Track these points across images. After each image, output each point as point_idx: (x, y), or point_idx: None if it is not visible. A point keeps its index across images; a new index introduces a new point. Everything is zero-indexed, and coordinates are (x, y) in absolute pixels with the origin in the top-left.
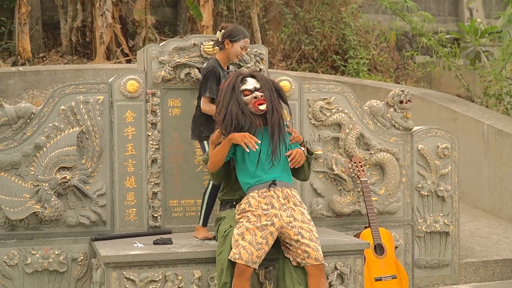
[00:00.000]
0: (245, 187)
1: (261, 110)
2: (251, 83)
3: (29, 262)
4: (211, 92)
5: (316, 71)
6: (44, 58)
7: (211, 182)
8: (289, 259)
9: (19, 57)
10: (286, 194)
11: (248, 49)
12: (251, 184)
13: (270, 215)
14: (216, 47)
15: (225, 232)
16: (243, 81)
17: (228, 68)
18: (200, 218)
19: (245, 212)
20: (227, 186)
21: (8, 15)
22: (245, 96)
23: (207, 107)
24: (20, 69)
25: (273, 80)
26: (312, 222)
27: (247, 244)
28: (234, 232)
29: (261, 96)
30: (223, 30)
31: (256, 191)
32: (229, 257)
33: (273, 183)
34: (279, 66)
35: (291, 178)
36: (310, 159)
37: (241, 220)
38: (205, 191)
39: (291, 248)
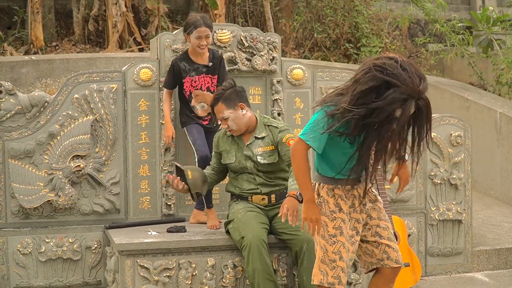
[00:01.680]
0: (324, 173)
1: None
2: None
3: (43, 250)
4: (166, 84)
5: (328, 60)
6: (57, 47)
7: (197, 163)
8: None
9: (31, 46)
10: (368, 193)
11: (212, 37)
12: (334, 176)
13: (352, 221)
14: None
15: (241, 245)
16: None
17: (213, 56)
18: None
19: (334, 215)
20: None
21: (21, 4)
22: None
23: (163, 99)
24: (33, 58)
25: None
26: (387, 217)
27: (345, 266)
28: (327, 249)
29: None
30: None
31: (340, 187)
32: (327, 284)
33: (357, 179)
34: (291, 55)
35: None
36: None
37: (333, 231)
38: None
39: (365, 248)
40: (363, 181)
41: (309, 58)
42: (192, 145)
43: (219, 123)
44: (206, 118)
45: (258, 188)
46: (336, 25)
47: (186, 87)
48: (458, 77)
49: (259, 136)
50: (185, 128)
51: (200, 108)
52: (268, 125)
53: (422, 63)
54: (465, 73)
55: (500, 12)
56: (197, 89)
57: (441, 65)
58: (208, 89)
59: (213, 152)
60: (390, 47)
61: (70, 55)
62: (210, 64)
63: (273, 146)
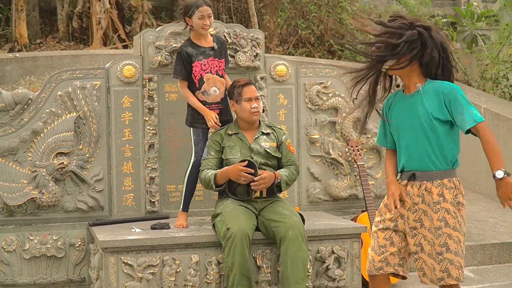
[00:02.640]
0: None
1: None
2: None
3: (27, 247)
4: (176, 73)
5: (313, 56)
6: (41, 44)
7: (191, 165)
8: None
9: (16, 43)
10: (423, 192)
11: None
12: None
13: (397, 215)
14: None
15: (225, 236)
16: None
17: (214, 40)
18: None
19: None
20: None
21: (5, 1)
22: None
23: (182, 91)
24: (17, 55)
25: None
26: (441, 230)
27: (370, 251)
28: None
29: None
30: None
31: (400, 181)
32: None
33: (413, 175)
34: (276, 51)
35: (444, 160)
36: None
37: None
38: (185, 174)
39: (413, 259)
40: None
41: (293, 55)
42: (193, 145)
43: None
44: (216, 107)
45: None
46: (321, 21)
47: (196, 71)
48: None
49: (265, 132)
50: (191, 127)
51: (212, 92)
52: (271, 126)
53: None
54: None
55: (484, 8)
56: (207, 72)
57: None
58: (217, 73)
59: (213, 152)
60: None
61: (54, 52)
62: (216, 46)
63: (276, 144)
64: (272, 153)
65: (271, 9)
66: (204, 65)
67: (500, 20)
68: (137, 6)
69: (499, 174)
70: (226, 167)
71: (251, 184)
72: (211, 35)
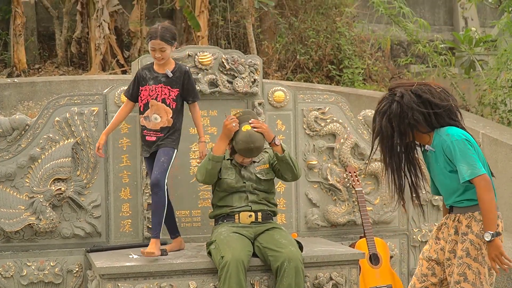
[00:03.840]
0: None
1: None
2: None
3: (24, 273)
4: (125, 92)
5: (311, 81)
6: (40, 69)
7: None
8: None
9: (14, 68)
10: (457, 223)
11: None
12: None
13: (438, 247)
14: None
15: (220, 264)
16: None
17: (177, 68)
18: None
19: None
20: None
21: (3, 26)
22: None
23: (121, 107)
24: (15, 80)
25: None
26: (462, 259)
27: (414, 277)
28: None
29: None
30: None
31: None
32: None
33: (451, 209)
34: (274, 76)
35: (473, 197)
36: (282, 157)
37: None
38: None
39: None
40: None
41: (291, 80)
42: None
43: None
44: (155, 134)
45: (248, 205)
46: (319, 46)
47: (144, 96)
48: None
49: (256, 160)
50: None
51: (153, 119)
52: (265, 150)
53: None
54: None
55: (483, 33)
56: (153, 99)
57: None
58: (163, 101)
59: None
60: (372, 68)
61: (53, 77)
62: (171, 75)
63: (268, 165)
64: (263, 177)
65: (270, 34)
66: (152, 90)
67: (498, 45)
68: (135, 32)
69: (487, 237)
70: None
71: (251, 121)
72: (176, 63)
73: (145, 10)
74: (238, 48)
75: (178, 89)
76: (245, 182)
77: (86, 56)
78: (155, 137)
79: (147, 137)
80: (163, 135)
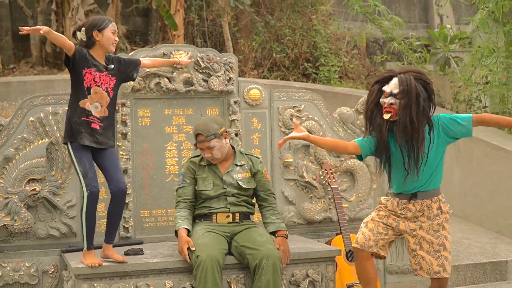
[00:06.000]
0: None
1: (384, 119)
2: (391, 86)
3: (0, 275)
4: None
5: (287, 79)
6: (14, 69)
7: (86, 200)
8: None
9: None
10: (424, 208)
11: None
12: (395, 192)
13: (399, 218)
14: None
15: (195, 264)
16: (390, 79)
17: (108, 61)
18: (83, 241)
19: (379, 207)
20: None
21: None
22: (384, 97)
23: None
24: None
25: (423, 80)
26: (439, 232)
27: (367, 230)
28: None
29: (390, 104)
30: (83, 28)
31: (398, 199)
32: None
33: (414, 195)
34: (250, 75)
35: (438, 181)
36: None
37: (373, 212)
38: (81, 209)
39: (409, 255)
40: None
41: (268, 78)
42: (81, 178)
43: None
44: (98, 122)
45: (226, 207)
46: (295, 44)
47: (88, 79)
48: None
49: (239, 164)
50: (71, 146)
51: (94, 108)
52: (247, 154)
53: None
54: None
55: (458, 30)
56: (98, 86)
57: None
58: (106, 90)
59: (188, 180)
60: (348, 66)
61: (27, 77)
62: (111, 66)
63: (250, 174)
64: (245, 186)
65: (246, 33)
66: (97, 77)
67: (473, 42)
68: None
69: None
70: (180, 237)
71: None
72: (105, 55)
73: (120, 9)
74: (215, 47)
75: (115, 78)
76: (225, 188)
77: (61, 55)
78: (98, 126)
79: (92, 124)
80: (103, 125)
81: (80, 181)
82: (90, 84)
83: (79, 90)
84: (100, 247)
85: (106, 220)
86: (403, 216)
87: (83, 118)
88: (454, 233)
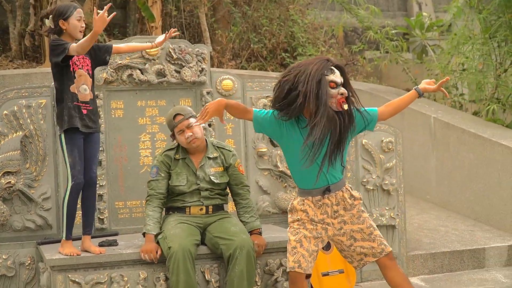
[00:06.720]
0: (298, 185)
1: (343, 109)
2: (338, 76)
3: None
4: (65, 46)
5: (265, 69)
6: None
7: (69, 190)
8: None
9: None
10: (339, 200)
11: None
12: (304, 188)
13: (325, 224)
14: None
15: (167, 255)
16: (332, 70)
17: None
18: (62, 231)
19: (301, 220)
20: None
21: None
22: (332, 88)
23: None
24: None
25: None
26: (361, 217)
27: (305, 251)
28: (290, 238)
29: (341, 94)
30: (50, 16)
31: (311, 198)
32: (289, 267)
33: (327, 189)
34: (228, 65)
35: (342, 171)
36: None
37: (296, 227)
38: (63, 199)
39: (347, 254)
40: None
41: (246, 69)
42: (68, 169)
43: None
44: (85, 107)
45: (200, 200)
46: (272, 35)
47: (71, 63)
48: (395, 83)
49: (211, 156)
50: (64, 137)
51: (82, 91)
52: (219, 147)
53: (359, 70)
54: (401, 79)
55: (436, 18)
56: (80, 68)
57: (378, 72)
58: (87, 71)
59: (163, 173)
60: (326, 55)
61: (6, 71)
62: None
63: (223, 168)
64: (217, 181)
65: (223, 23)
66: (78, 60)
67: (451, 30)
68: (88, 23)
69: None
70: (149, 241)
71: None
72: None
73: (98, 2)
74: (192, 38)
75: (90, 60)
76: (199, 184)
77: (40, 49)
78: (86, 110)
79: (82, 109)
80: (92, 108)
81: (67, 171)
82: (73, 67)
83: (66, 77)
84: (77, 239)
85: (81, 212)
86: (325, 215)
87: (74, 103)
88: (430, 221)
